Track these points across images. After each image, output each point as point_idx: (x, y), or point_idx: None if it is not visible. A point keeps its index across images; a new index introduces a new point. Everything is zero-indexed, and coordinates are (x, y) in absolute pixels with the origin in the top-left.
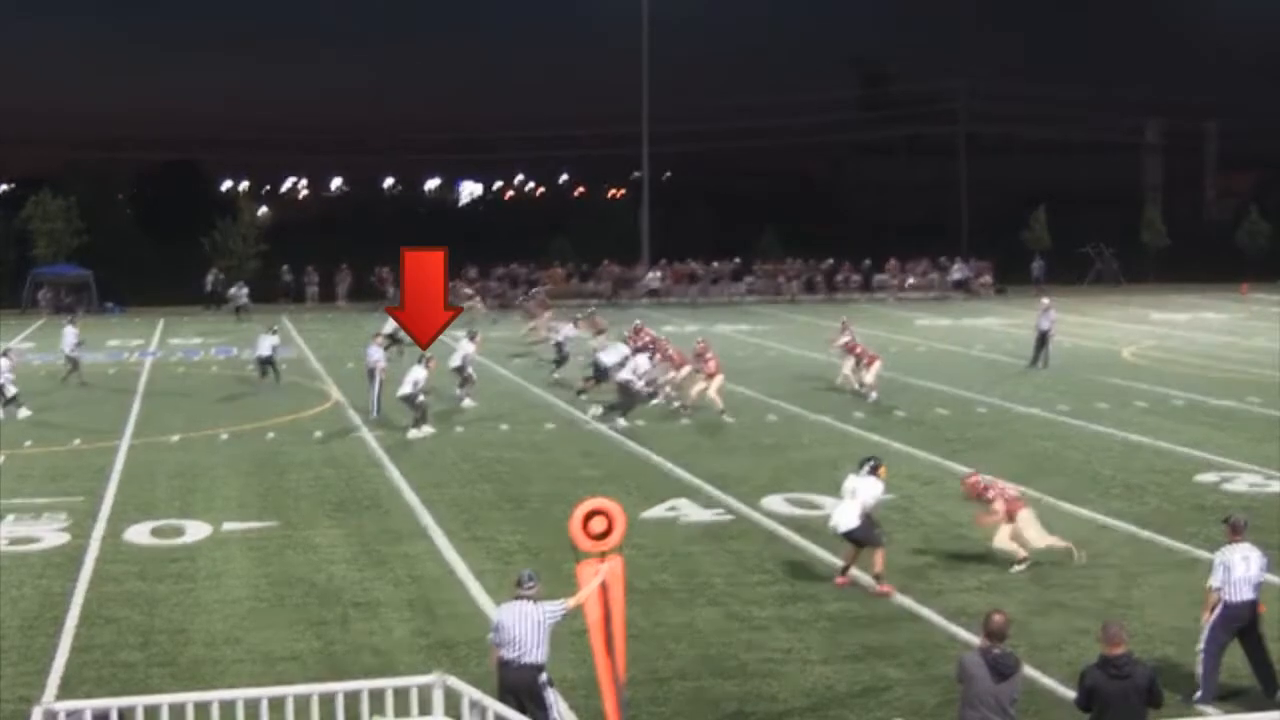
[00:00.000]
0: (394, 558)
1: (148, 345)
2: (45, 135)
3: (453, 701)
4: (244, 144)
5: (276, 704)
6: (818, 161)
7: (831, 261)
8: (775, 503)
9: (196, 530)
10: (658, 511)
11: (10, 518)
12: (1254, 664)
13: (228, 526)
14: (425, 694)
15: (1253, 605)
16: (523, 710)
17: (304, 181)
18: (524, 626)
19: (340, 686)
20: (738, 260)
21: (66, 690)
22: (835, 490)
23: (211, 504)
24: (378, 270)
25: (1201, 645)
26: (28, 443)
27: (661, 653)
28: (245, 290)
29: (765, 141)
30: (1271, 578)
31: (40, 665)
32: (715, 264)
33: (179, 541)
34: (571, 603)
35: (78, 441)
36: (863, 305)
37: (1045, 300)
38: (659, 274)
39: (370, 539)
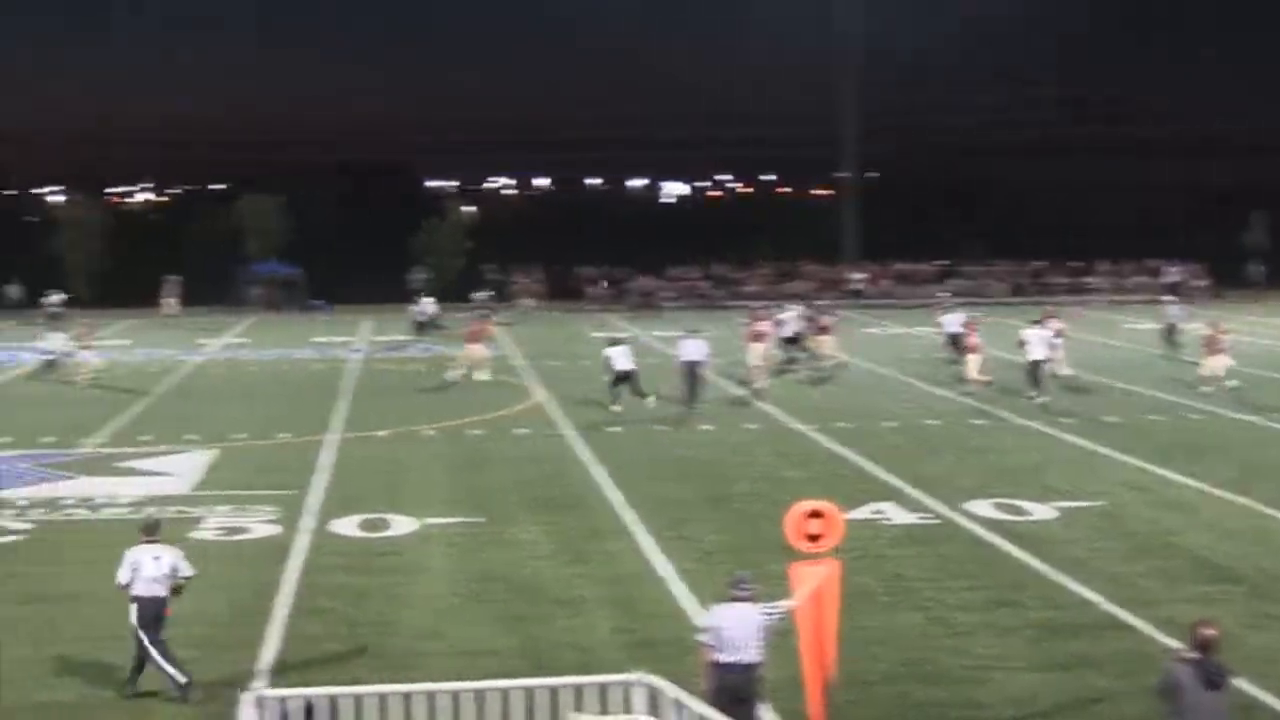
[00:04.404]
0: (595, 555)
1: (355, 343)
2: (261, 137)
3: (655, 701)
4: (451, 145)
5: (477, 697)
6: (1018, 162)
7: (1036, 264)
8: (981, 507)
9: (402, 525)
10: (861, 514)
11: (222, 508)
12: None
13: (432, 521)
14: (626, 692)
15: (163, 601)
16: (734, 711)
17: (509, 181)
18: (744, 628)
19: (540, 682)
20: (947, 262)
21: (276, 679)
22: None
23: (416, 499)
24: (578, 270)
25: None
26: (241, 436)
27: (865, 656)
28: (61, 298)
29: (965, 140)
30: None
31: (250, 654)
32: (921, 265)
33: (385, 535)
34: (791, 604)
35: (285, 436)
36: (1071, 307)
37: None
38: (863, 274)
39: (572, 536)
